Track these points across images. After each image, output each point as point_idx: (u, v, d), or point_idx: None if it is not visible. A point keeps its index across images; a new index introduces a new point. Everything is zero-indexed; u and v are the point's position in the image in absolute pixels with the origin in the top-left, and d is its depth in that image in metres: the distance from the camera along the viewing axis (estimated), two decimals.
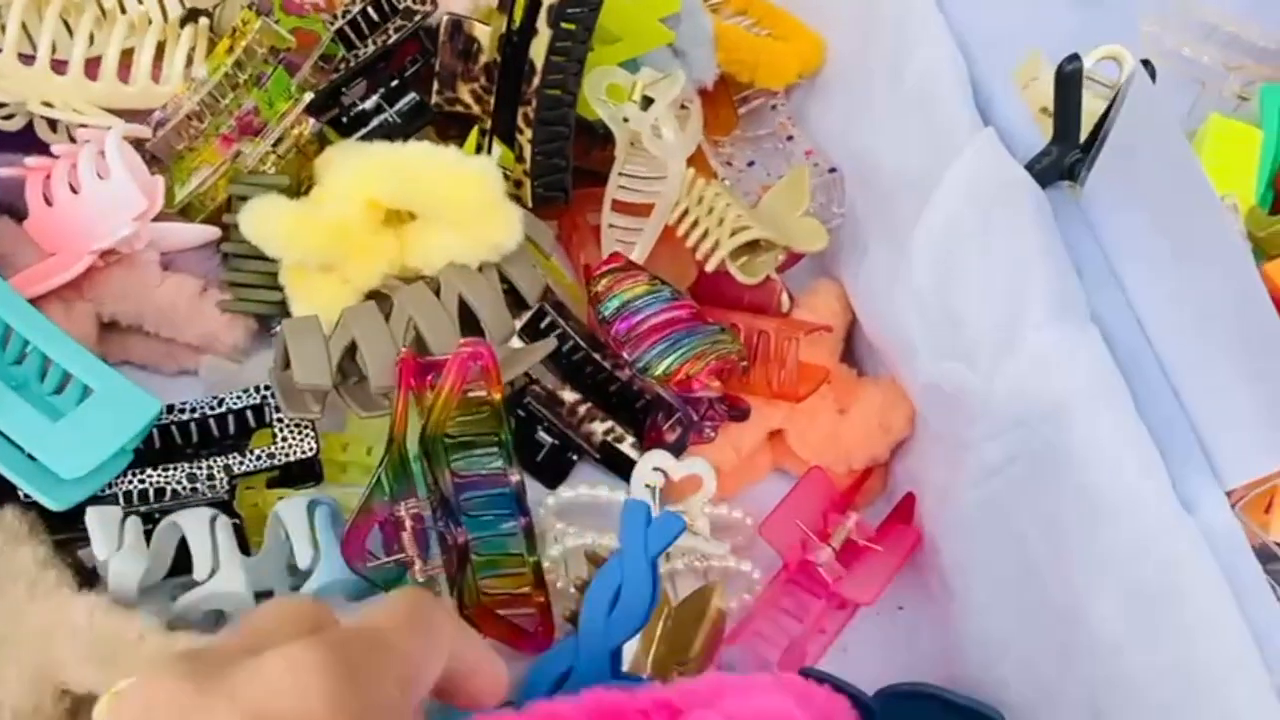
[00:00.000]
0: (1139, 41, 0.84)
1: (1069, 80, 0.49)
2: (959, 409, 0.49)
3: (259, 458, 0.49)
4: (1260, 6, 0.86)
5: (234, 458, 0.49)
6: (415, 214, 0.53)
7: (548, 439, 0.54)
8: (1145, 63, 0.49)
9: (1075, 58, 0.49)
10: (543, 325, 0.55)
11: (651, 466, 0.54)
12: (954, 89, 0.54)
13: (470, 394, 0.43)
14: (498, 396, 0.43)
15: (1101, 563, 0.42)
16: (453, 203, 0.50)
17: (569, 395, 0.55)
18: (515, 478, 0.44)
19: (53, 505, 0.45)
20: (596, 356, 0.55)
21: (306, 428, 0.50)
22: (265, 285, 0.54)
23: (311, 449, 0.50)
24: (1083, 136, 0.52)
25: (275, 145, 0.55)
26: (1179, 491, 0.42)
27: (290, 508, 0.46)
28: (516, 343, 0.54)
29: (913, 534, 0.51)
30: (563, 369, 0.55)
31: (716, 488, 0.54)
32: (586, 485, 0.54)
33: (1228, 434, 0.43)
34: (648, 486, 0.54)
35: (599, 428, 0.55)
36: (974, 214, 0.50)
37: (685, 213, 0.60)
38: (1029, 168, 0.51)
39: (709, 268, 0.58)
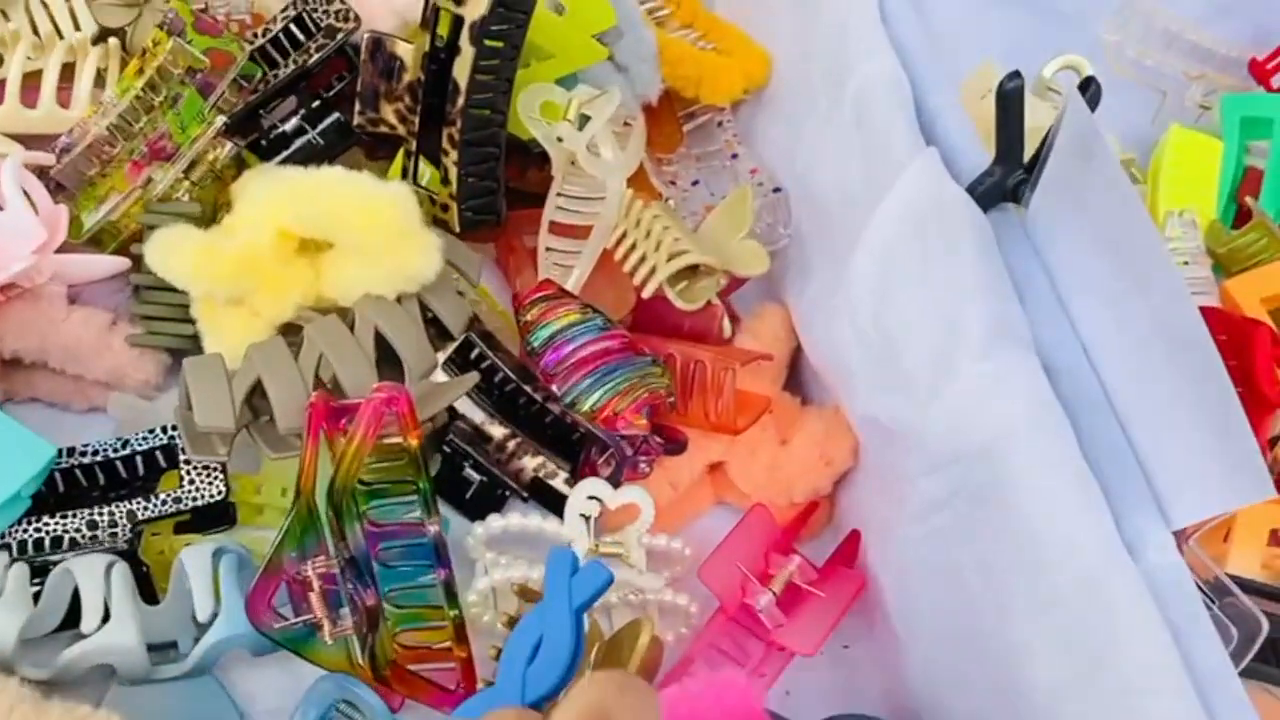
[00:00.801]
0: (1100, 51, 0.83)
1: (1010, 99, 0.47)
2: (897, 443, 0.47)
3: (164, 502, 0.47)
4: (1220, 14, 0.85)
5: (138, 502, 0.47)
6: (330, 243, 0.50)
7: (475, 476, 0.52)
8: (1087, 82, 0.47)
9: (1016, 75, 0.47)
10: (471, 356, 0.53)
11: (586, 495, 0.51)
12: (894, 108, 0.52)
13: (385, 440, 0.41)
14: (414, 443, 0.41)
15: (1040, 606, 0.40)
16: (367, 231, 0.48)
17: (497, 430, 0.52)
18: (434, 529, 0.42)
19: None
20: (528, 389, 0.53)
21: (215, 470, 0.48)
22: (177, 319, 0.51)
23: (220, 492, 0.47)
24: (1030, 153, 0.50)
25: (188, 171, 0.52)
26: (1123, 531, 0.40)
27: (193, 555, 0.44)
28: (441, 376, 0.51)
29: (856, 579, 0.49)
30: (493, 402, 0.53)
31: (655, 523, 0.51)
32: (518, 514, 0.52)
33: (1176, 472, 0.41)
34: (582, 516, 0.52)
35: (530, 463, 0.52)
36: (912, 238, 0.48)
37: (623, 236, 0.58)
38: (971, 189, 0.49)
39: (645, 294, 0.55)
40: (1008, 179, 0.49)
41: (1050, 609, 0.40)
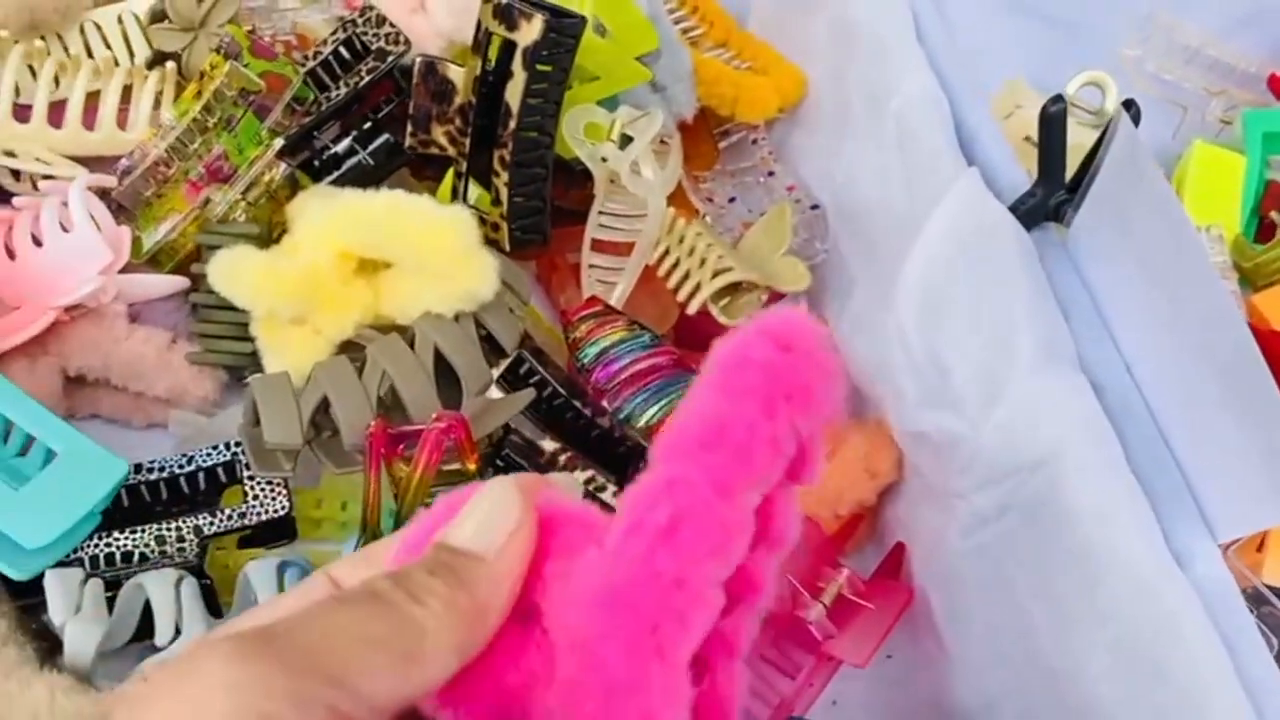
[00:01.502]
0: (1119, 65, 0.84)
1: (1053, 122, 0.49)
2: (948, 458, 0.48)
3: (229, 517, 0.48)
4: (1241, 28, 0.86)
5: (204, 518, 0.48)
6: (389, 263, 0.51)
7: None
8: (1129, 103, 0.48)
9: (1059, 99, 0.48)
10: (521, 371, 0.54)
11: None
12: (936, 128, 0.53)
13: (445, 468, 0.42)
14: (473, 468, 0.42)
15: (1094, 619, 0.41)
16: (427, 252, 0.49)
17: (548, 444, 0.53)
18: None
19: (16, 575, 0.43)
20: (576, 404, 0.54)
21: (278, 485, 0.49)
22: (236, 336, 0.52)
23: (284, 507, 0.48)
24: (1069, 169, 0.51)
25: (245, 192, 0.53)
26: (1171, 544, 0.41)
27: (260, 569, 0.45)
28: (495, 391, 0.52)
29: (905, 591, 0.50)
30: (542, 416, 0.54)
31: None
32: None
33: (1220, 486, 0.42)
34: None
35: (579, 477, 0.53)
36: (958, 259, 0.49)
37: (666, 252, 0.59)
38: (1014, 209, 0.50)
39: (690, 310, 0.57)
40: (1050, 199, 0.51)
41: (1107, 622, 0.41)
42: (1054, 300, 0.47)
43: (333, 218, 0.50)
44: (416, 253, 0.49)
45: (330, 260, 0.50)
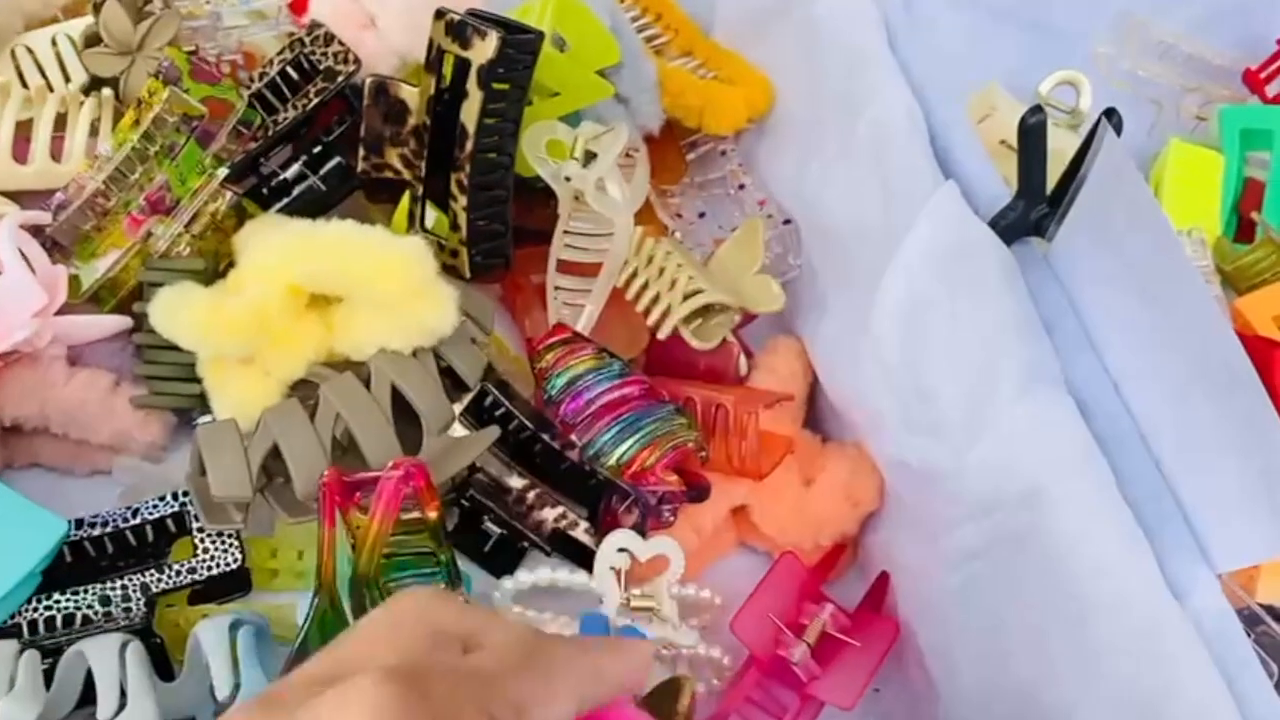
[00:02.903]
0: (1092, 63, 0.83)
1: (1033, 134, 0.47)
2: (931, 488, 0.46)
3: (178, 573, 0.45)
4: (1212, 23, 0.85)
5: (151, 574, 0.45)
6: (341, 297, 0.49)
7: (495, 529, 0.51)
8: (1110, 111, 0.46)
9: (1039, 110, 0.47)
10: (486, 405, 0.52)
11: (617, 548, 0.50)
12: (911, 140, 0.51)
13: (404, 516, 0.40)
14: (434, 516, 0.40)
15: (1088, 658, 0.39)
16: (380, 286, 0.47)
17: (516, 481, 0.51)
18: (460, 599, 0.40)
19: None
20: (545, 437, 0.51)
21: (230, 536, 0.46)
22: (183, 378, 0.50)
23: (236, 560, 0.46)
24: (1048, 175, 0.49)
25: (189, 225, 0.51)
26: (1168, 577, 0.39)
27: (210, 629, 0.42)
28: (458, 429, 0.50)
29: (891, 626, 0.48)
30: (509, 451, 0.52)
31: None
32: (548, 568, 0.50)
33: (1217, 512, 0.40)
34: (612, 569, 0.50)
35: (550, 514, 0.51)
36: (938, 278, 0.47)
37: (634, 274, 0.57)
38: (994, 224, 0.48)
39: (661, 335, 0.54)
40: (1031, 213, 0.49)
41: (1100, 660, 0.39)
42: (1038, 319, 0.46)
43: (280, 251, 0.47)
44: (369, 287, 0.47)
45: (279, 296, 0.47)
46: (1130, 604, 0.38)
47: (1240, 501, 0.40)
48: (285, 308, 0.47)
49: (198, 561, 0.46)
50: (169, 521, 0.47)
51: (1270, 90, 0.80)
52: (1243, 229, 0.73)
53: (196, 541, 0.46)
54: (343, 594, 0.39)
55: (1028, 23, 0.84)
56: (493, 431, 0.48)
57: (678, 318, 0.54)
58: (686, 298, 0.54)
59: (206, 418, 0.46)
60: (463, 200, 0.53)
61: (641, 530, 0.51)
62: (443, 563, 0.40)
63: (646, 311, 0.55)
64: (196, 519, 0.46)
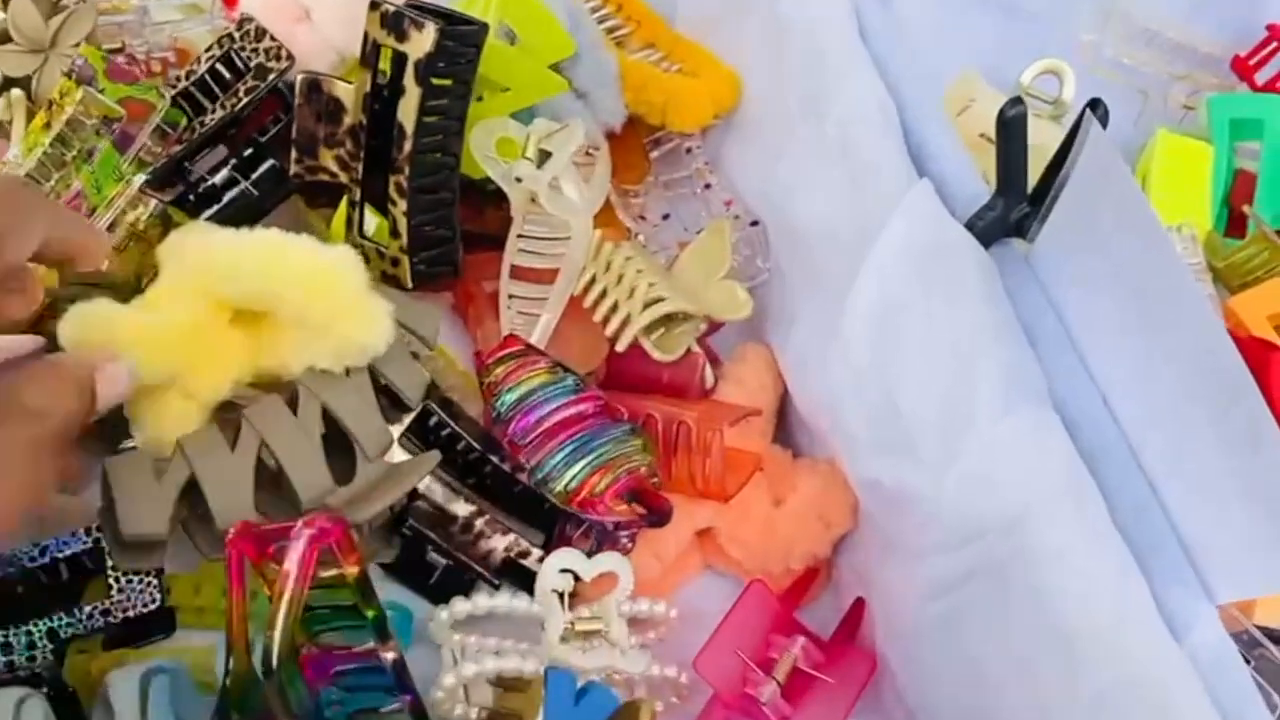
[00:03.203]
0: (1075, 51, 0.80)
1: (1013, 127, 0.43)
2: (906, 511, 0.43)
3: (90, 616, 0.42)
4: (1198, 9, 0.82)
5: (59, 618, 0.41)
6: (267, 312, 0.45)
7: (440, 560, 0.47)
8: (1095, 103, 0.43)
9: (1018, 101, 0.43)
10: (430, 424, 0.48)
11: (559, 569, 0.47)
12: (883, 137, 0.48)
13: (322, 574, 0.36)
14: (354, 571, 0.36)
15: (1078, 701, 0.36)
16: (308, 302, 0.43)
17: (462, 508, 0.47)
18: (390, 655, 0.37)
19: None
20: (494, 458, 0.48)
21: (149, 575, 0.42)
22: None
23: (154, 600, 0.42)
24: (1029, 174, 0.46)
25: None
26: (1164, 611, 0.36)
27: (120, 680, 0.38)
28: (397, 452, 0.46)
29: (866, 661, 0.45)
30: (457, 474, 0.48)
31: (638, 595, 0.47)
32: (486, 593, 0.47)
33: (1216, 540, 0.37)
34: (555, 592, 0.47)
35: (500, 543, 0.48)
36: (911, 282, 0.44)
37: (593, 281, 0.53)
38: (970, 225, 0.45)
39: (620, 346, 0.51)
40: (1011, 212, 0.46)
41: (1093, 701, 0.36)
42: (1019, 327, 0.42)
43: (200, 264, 0.43)
44: (295, 302, 0.43)
45: (200, 313, 0.43)
46: (1124, 640, 0.35)
47: (1240, 526, 0.36)
48: (208, 325, 0.44)
49: (112, 603, 0.42)
50: (85, 559, 0.43)
51: (1260, 78, 0.77)
52: (1233, 223, 0.70)
53: (111, 581, 0.42)
54: (258, 665, 0.35)
55: (1007, 9, 0.81)
56: (433, 456, 0.45)
57: (638, 328, 0.50)
58: (647, 306, 0.50)
59: (111, 457, 0.42)
60: (402, 204, 0.49)
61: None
62: (370, 619, 0.36)
63: (605, 321, 0.52)
64: (111, 556, 0.42)
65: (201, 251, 0.44)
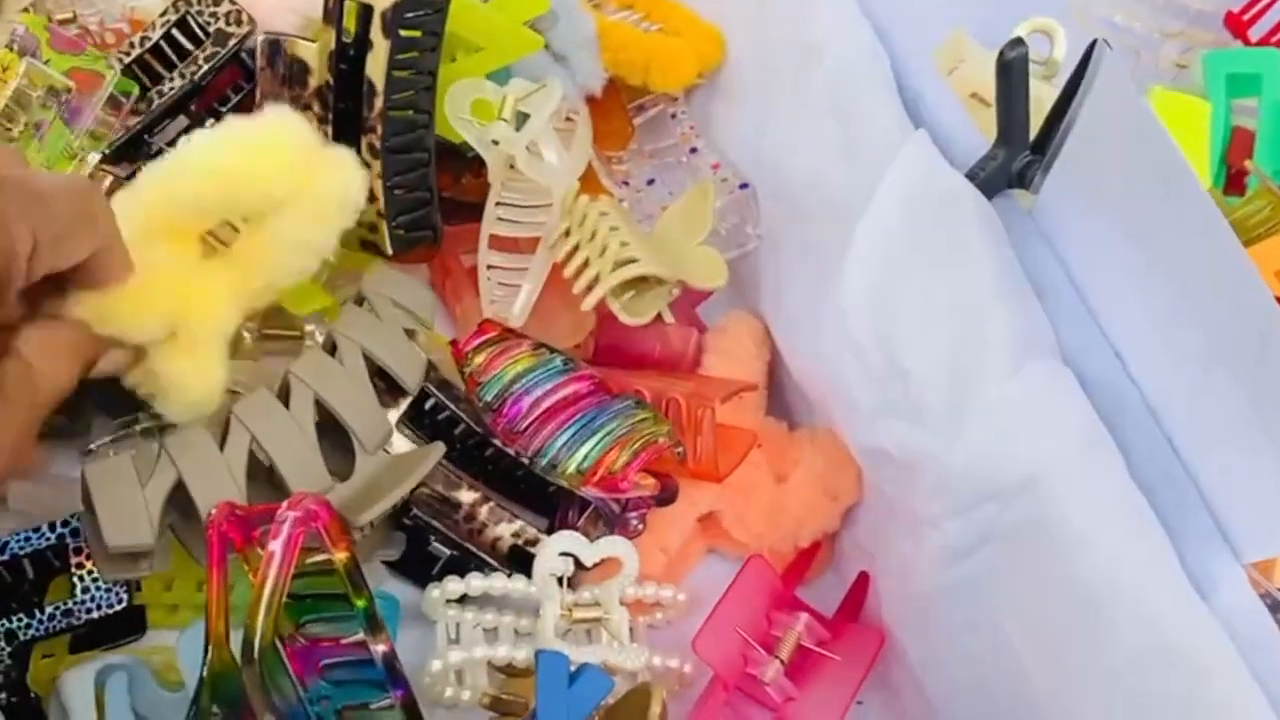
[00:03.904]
0: (1067, 10, 0.78)
1: (1013, 69, 0.41)
2: (914, 478, 0.41)
3: (51, 618, 0.39)
4: None
5: (18, 619, 0.39)
6: (232, 225, 0.41)
7: (444, 550, 0.45)
8: (1096, 43, 0.41)
9: (1019, 42, 0.41)
10: (426, 408, 0.46)
11: (558, 552, 0.44)
12: (876, 88, 0.46)
13: (309, 559, 0.33)
14: (344, 557, 0.33)
15: (1100, 667, 0.34)
16: (265, 175, 0.40)
17: (465, 495, 0.45)
18: (382, 648, 0.34)
19: None
20: (496, 442, 0.45)
21: None
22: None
23: (121, 600, 0.40)
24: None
25: None
26: (1189, 571, 0.34)
27: (73, 680, 0.36)
28: (398, 440, 0.44)
29: (874, 637, 0.43)
30: (456, 460, 0.46)
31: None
32: (479, 576, 0.45)
33: (1241, 498, 0.35)
34: (553, 576, 0.45)
35: (506, 530, 0.46)
36: (911, 239, 0.42)
37: (566, 234, 0.51)
38: (971, 176, 0.43)
39: (585, 306, 0.48)
40: (1013, 162, 0.44)
41: (1117, 667, 0.34)
42: (1027, 282, 0.40)
43: (146, 200, 0.40)
44: (254, 183, 0.40)
45: (168, 252, 0.39)
46: (1148, 604, 0.34)
47: (1269, 482, 0.34)
48: (181, 261, 0.40)
49: (75, 603, 0.39)
50: (50, 555, 0.41)
51: (1254, 34, 0.75)
52: (1232, 180, 0.69)
53: (75, 580, 0.40)
54: (238, 657, 0.33)
55: None
56: (437, 449, 0.43)
57: (606, 288, 0.48)
58: (618, 266, 0.48)
59: (91, 464, 0.39)
60: (376, 166, 0.47)
61: None
62: (359, 609, 0.34)
63: (575, 277, 0.49)
64: (77, 552, 0.40)
65: (143, 188, 0.40)
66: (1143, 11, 0.77)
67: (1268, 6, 0.74)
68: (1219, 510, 0.36)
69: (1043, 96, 0.60)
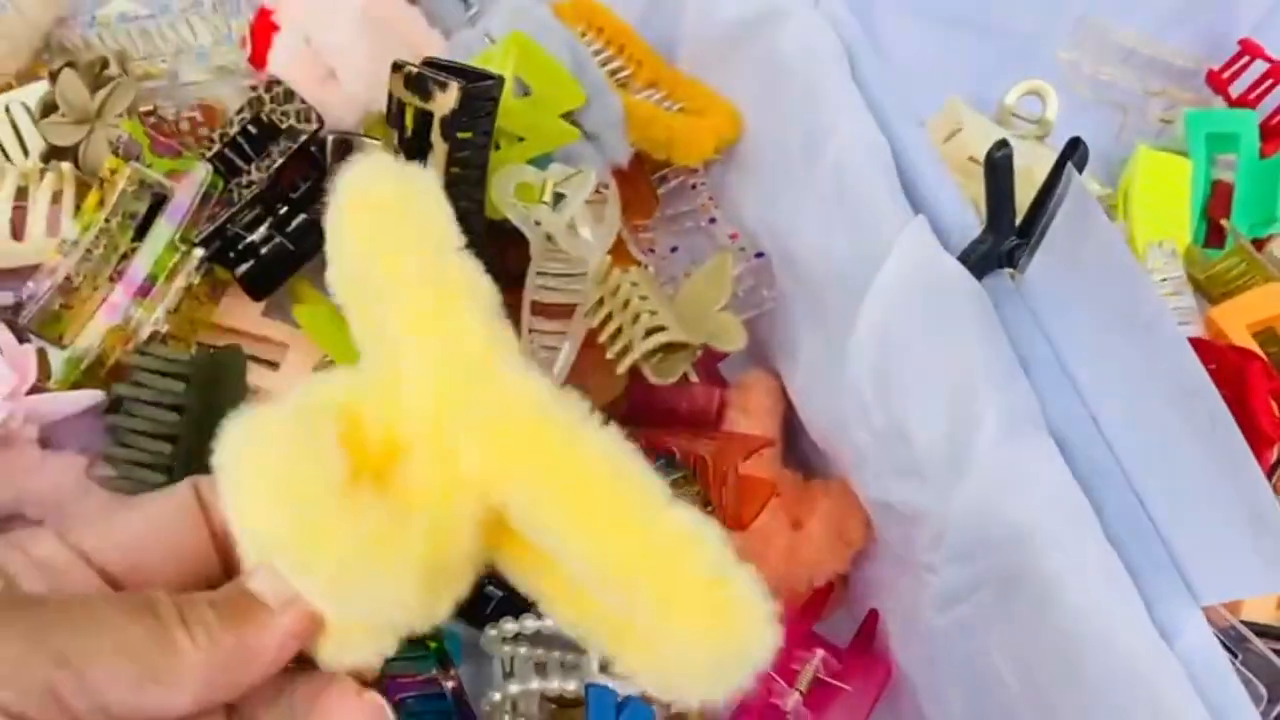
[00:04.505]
0: (1055, 70, 0.83)
1: (998, 169, 0.47)
2: (915, 529, 0.46)
3: None
4: (1173, 24, 0.85)
5: None
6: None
7: (496, 592, 0.50)
8: (1075, 143, 0.46)
9: (1004, 144, 0.47)
10: None
11: None
12: (876, 175, 0.51)
13: None
14: None
15: (1079, 701, 0.40)
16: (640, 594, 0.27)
17: None
18: (451, 684, 0.40)
19: None
20: None
21: None
22: (153, 465, 0.48)
23: None
24: (1018, 191, 0.49)
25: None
26: (1155, 617, 0.39)
27: None
28: None
29: (882, 665, 0.48)
30: None
31: None
32: (532, 616, 0.50)
33: (1201, 548, 0.40)
34: None
35: None
36: (909, 316, 0.47)
37: (600, 303, 0.57)
38: (964, 258, 0.48)
39: (620, 370, 0.54)
40: (1000, 245, 0.49)
41: (1093, 703, 0.39)
42: (1014, 356, 0.46)
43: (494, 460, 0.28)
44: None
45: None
46: (1119, 645, 0.39)
47: (1222, 537, 0.40)
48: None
49: None
50: None
51: (1234, 91, 0.80)
52: (1213, 233, 0.74)
53: None
54: None
55: (983, 29, 0.85)
56: None
57: (637, 354, 0.53)
58: (649, 334, 0.54)
59: None
60: None
61: None
62: (433, 649, 0.39)
63: (609, 343, 0.55)
64: None
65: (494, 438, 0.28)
66: (1128, 70, 0.83)
67: (1245, 66, 0.79)
68: (1182, 561, 0.41)
69: (1035, 161, 0.66)
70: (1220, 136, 0.74)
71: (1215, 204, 0.74)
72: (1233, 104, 0.78)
